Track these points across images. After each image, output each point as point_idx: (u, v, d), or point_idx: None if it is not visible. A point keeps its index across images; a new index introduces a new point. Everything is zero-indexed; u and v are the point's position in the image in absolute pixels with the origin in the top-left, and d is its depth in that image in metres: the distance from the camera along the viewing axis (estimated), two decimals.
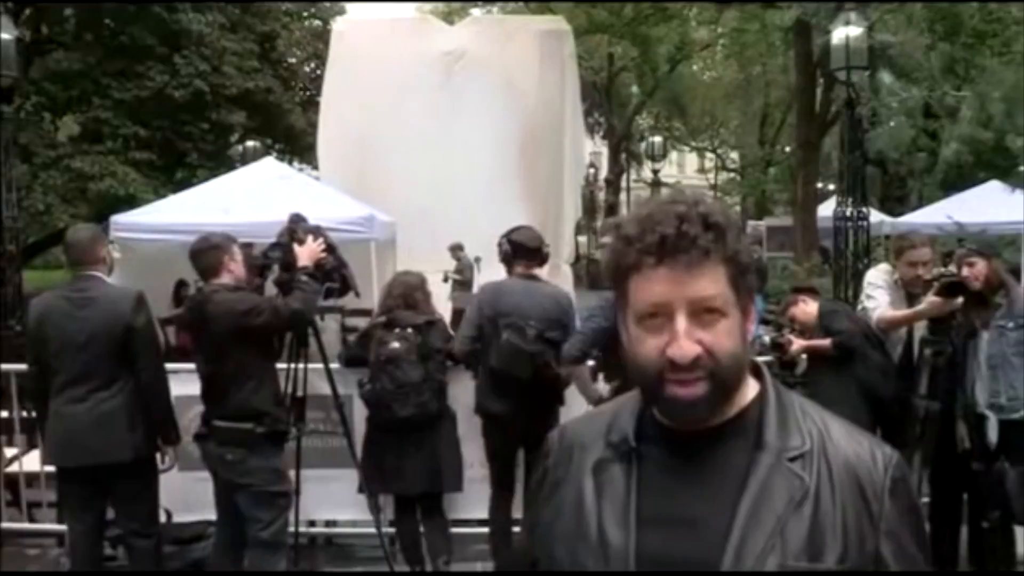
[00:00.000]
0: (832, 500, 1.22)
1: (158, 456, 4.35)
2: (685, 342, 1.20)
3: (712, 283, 1.22)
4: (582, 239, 23.91)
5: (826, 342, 4.77)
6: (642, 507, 1.25)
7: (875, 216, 12.86)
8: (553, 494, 1.36)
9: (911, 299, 4.78)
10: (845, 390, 4.49)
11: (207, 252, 4.30)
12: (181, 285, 8.69)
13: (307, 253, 4.47)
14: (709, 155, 39.43)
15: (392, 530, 4.99)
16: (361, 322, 5.37)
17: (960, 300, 4.43)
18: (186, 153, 19.60)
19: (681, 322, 1.21)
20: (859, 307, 5.16)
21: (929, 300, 4.50)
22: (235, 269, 4.32)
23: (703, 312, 1.22)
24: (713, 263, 1.22)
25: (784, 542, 1.19)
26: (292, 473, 4.69)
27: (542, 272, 5.12)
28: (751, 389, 1.31)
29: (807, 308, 4.99)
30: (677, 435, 1.28)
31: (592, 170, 29.52)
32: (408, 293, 4.84)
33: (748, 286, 1.27)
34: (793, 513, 1.20)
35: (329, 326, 5.50)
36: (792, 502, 1.21)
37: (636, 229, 1.24)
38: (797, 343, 4.90)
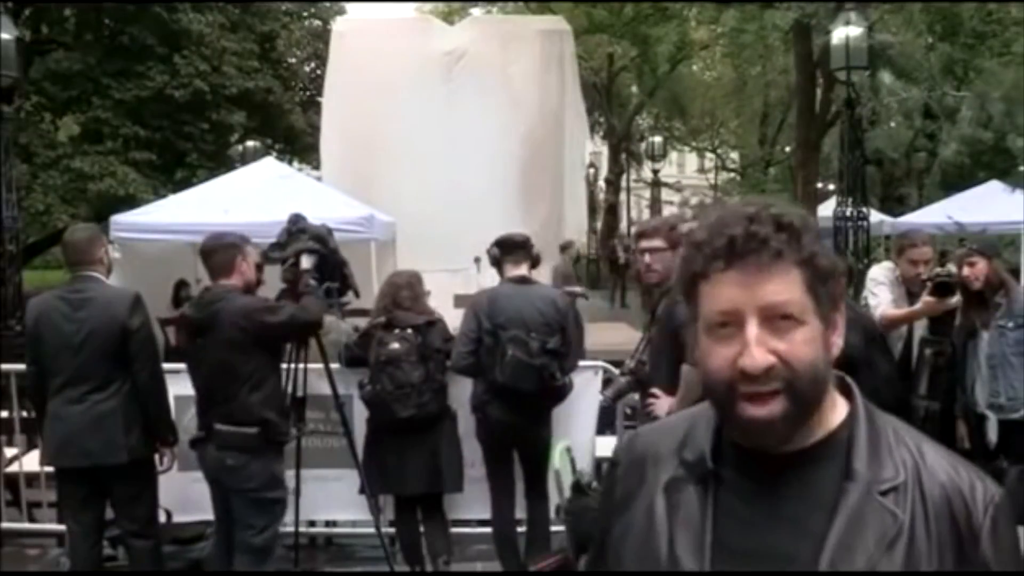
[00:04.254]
0: (927, 539, 1.11)
1: (157, 457, 4.33)
2: (756, 350, 1.10)
3: (786, 287, 1.12)
4: (582, 239, 23.88)
5: None
6: (718, 534, 1.15)
7: (875, 216, 12.86)
8: (624, 509, 1.26)
9: (912, 297, 4.79)
10: None
11: (220, 251, 4.22)
12: (181, 285, 8.69)
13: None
14: (709, 155, 39.36)
15: (392, 530, 4.98)
16: (361, 322, 5.34)
17: (955, 300, 4.43)
18: (186, 153, 19.63)
19: (752, 329, 1.11)
20: (861, 304, 5.16)
21: (923, 300, 4.51)
22: (246, 271, 4.23)
23: (777, 319, 1.12)
24: (786, 266, 1.12)
25: None
26: (292, 473, 4.69)
27: (542, 275, 5.09)
28: (840, 410, 1.20)
29: None
30: (758, 458, 1.16)
31: (592, 170, 29.43)
32: (408, 293, 4.83)
33: (831, 294, 1.16)
34: (885, 553, 1.09)
35: (338, 327, 5.45)
36: (884, 540, 1.10)
37: (705, 234, 1.16)
38: None
